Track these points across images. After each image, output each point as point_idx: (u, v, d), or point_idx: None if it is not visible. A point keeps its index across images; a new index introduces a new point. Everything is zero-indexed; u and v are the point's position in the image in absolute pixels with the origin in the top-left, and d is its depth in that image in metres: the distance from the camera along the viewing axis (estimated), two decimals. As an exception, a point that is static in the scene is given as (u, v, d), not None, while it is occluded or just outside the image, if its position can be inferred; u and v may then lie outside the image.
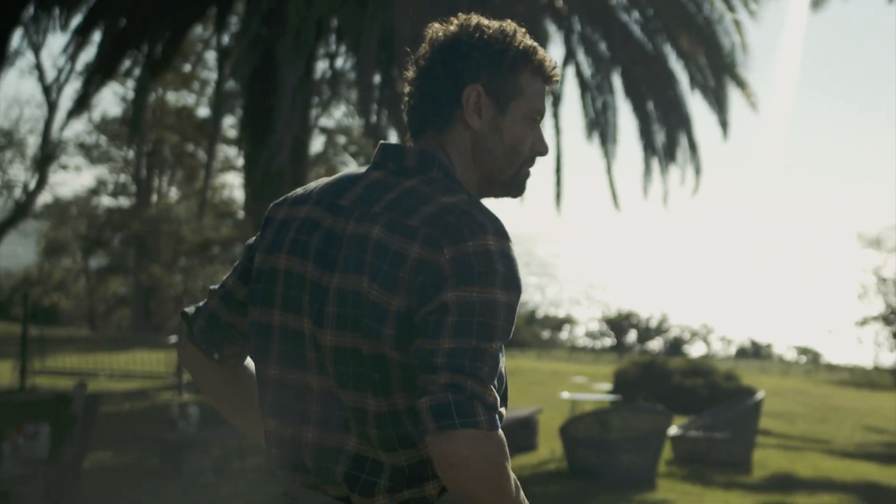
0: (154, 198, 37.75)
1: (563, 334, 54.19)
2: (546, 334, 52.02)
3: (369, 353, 1.91)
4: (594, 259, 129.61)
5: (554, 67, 2.11)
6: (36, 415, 8.32)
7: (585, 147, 15.26)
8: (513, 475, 1.85)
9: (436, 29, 2.07)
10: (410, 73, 2.08)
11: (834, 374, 33.09)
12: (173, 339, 18.47)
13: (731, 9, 15.88)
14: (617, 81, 15.53)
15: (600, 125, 15.36)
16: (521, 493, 1.89)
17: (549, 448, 12.59)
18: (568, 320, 57.11)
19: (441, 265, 1.86)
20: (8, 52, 18.72)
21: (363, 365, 1.92)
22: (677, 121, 15.51)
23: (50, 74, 25.78)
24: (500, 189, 2.13)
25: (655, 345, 48.67)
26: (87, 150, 35.77)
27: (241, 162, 26.27)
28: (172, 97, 36.62)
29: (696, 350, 49.04)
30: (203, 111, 36.39)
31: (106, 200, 38.06)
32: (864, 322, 32.47)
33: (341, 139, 36.00)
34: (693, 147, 15.71)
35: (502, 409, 1.93)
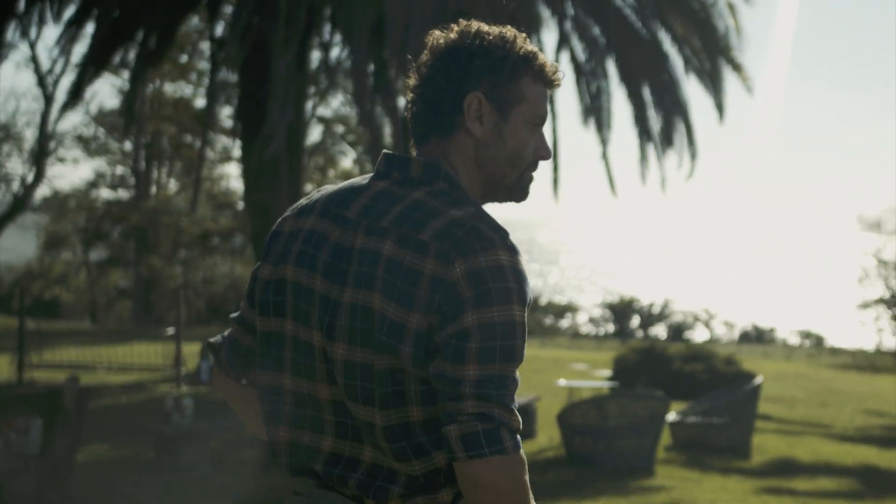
0: (153, 189, 37.72)
1: (566, 321, 54.14)
2: (548, 321, 51.95)
3: (382, 368, 1.95)
4: (596, 245, 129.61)
5: (555, 71, 2.12)
6: (29, 409, 8.30)
7: (582, 133, 15.26)
8: (528, 485, 1.94)
9: (436, 36, 2.09)
10: (412, 81, 2.10)
11: (836, 358, 33.04)
12: (171, 331, 18.44)
13: (724, -8, 15.80)
14: (611, 67, 15.45)
15: (595, 111, 15.28)
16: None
17: (547, 436, 12.55)
18: (570, 307, 57.03)
19: (456, 281, 1.90)
20: (3, 44, 18.65)
21: (372, 380, 1.96)
22: (673, 105, 15.43)
23: (46, 67, 25.65)
24: (503, 194, 2.15)
25: (658, 331, 48.61)
26: (85, 142, 35.71)
27: (238, 153, 26.21)
28: (170, 88, 36.56)
29: (699, 335, 49.00)
30: (201, 102, 36.32)
31: (105, 193, 38.05)
32: (865, 305, 32.44)
33: (339, 128, 35.92)
34: (689, 131, 15.63)
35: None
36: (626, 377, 18.11)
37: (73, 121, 60.17)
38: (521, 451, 1.90)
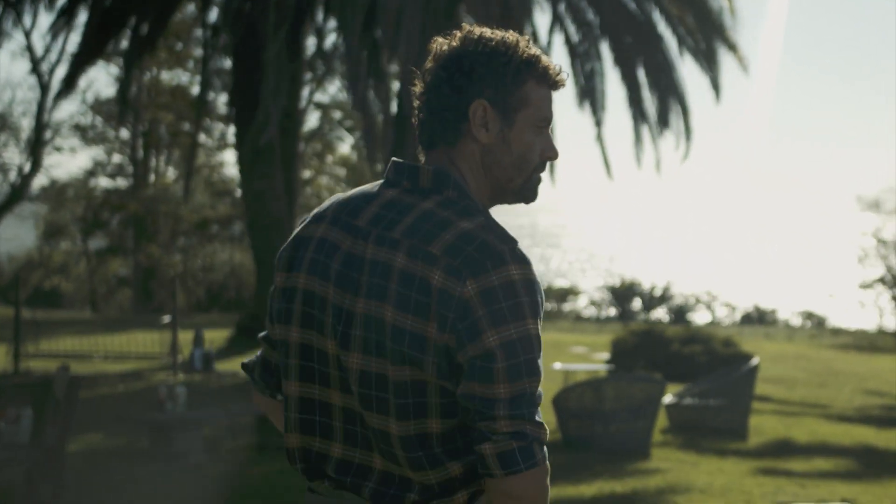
0: (151, 178, 37.66)
1: (568, 305, 54.09)
2: (550, 305, 51.88)
3: (399, 379, 1.99)
4: (596, 229, 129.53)
5: (559, 73, 2.14)
6: (20, 398, 8.26)
7: (578, 116, 15.14)
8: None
9: (440, 43, 2.11)
10: (418, 88, 2.13)
11: (838, 339, 33.00)
12: (167, 319, 18.43)
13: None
14: (605, 49, 15.38)
15: (590, 93, 15.22)
16: None
17: (543, 419, 12.49)
18: (572, 291, 56.98)
19: (468, 299, 1.94)
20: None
21: (387, 390, 2.00)
22: (668, 86, 15.36)
23: (41, 56, 25.59)
24: (512, 196, 2.17)
25: (660, 313, 48.55)
26: (82, 131, 35.64)
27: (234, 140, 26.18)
28: (167, 76, 36.49)
29: (701, 318, 48.95)
30: (198, 90, 36.23)
31: (103, 182, 38.00)
32: (866, 286, 32.37)
33: (336, 114, 35.85)
34: (685, 112, 15.57)
35: None
36: (625, 360, 18.07)
37: (69, 109, 60.02)
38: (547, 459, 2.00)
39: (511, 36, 2.10)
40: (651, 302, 49.14)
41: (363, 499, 2.07)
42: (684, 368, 17.10)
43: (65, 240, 37.38)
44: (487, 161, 2.11)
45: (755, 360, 13.06)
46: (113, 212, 35.83)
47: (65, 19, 17.56)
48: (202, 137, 38.02)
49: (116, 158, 37.63)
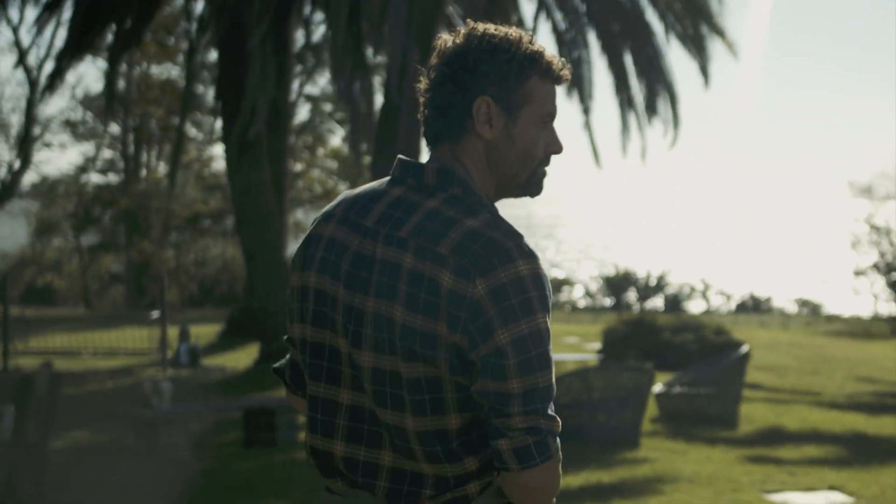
0: (143, 173, 37.55)
1: (564, 295, 54.08)
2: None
3: (412, 376, 2.02)
4: (588, 218, 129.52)
5: (562, 68, 2.16)
6: (2, 396, 8.21)
7: (566, 104, 15.05)
8: None
9: (444, 40, 2.13)
10: (422, 85, 2.15)
11: (832, 326, 32.96)
12: (155, 314, 18.37)
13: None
14: (592, 36, 15.31)
15: (577, 81, 15.15)
16: None
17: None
18: (567, 281, 56.98)
19: (479, 299, 1.97)
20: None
21: (401, 387, 2.03)
22: (656, 74, 15.29)
23: (30, 52, 25.48)
24: (517, 191, 2.20)
25: (656, 303, 48.52)
26: (72, 126, 35.52)
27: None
28: (157, 70, 36.36)
29: (696, 307, 48.92)
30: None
31: (94, 177, 37.90)
32: (859, 272, 32.32)
33: (327, 107, 35.75)
34: (673, 99, 15.50)
35: None
36: (616, 349, 18.00)
37: (59, 105, 59.89)
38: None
39: (514, 32, 2.12)
40: (646, 291, 49.10)
41: (378, 497, 2.10)
42: (675, 357, 17.04)
43: (57, 236, 37.25)
44: (492, 157, 2.13)
45: (745, 348, 13.01)
46: (104, 208, 35.71)
47: (49, 13, 17.47)
48: (193, 131, 37.93)
49: (107, 154, 37.56)
